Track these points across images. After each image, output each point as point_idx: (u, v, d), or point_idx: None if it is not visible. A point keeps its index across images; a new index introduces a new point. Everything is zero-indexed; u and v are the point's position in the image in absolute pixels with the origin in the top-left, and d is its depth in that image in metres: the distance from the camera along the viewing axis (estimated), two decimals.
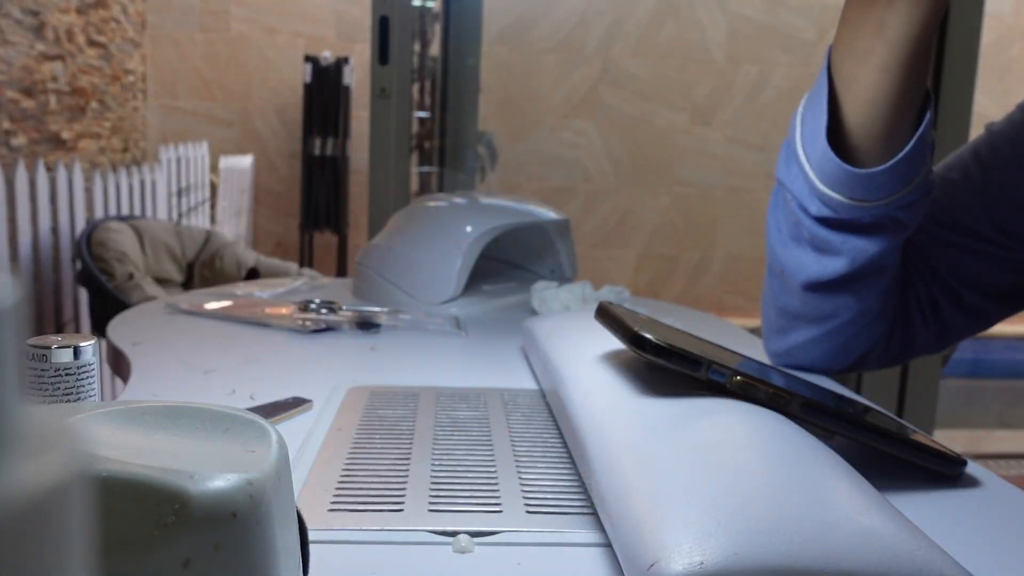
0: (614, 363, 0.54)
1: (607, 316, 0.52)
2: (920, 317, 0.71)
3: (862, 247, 0.63)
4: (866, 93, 0.59)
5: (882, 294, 0.67)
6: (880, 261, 0.64)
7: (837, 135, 0.61)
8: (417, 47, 1.86)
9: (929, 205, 0.65)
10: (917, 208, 0.63)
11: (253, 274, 2.47)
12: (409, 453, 0.51)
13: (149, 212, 2.79)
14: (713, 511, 0.35)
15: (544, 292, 0.92)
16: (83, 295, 2.35)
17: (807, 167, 0.62)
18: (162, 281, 2.42)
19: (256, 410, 0.58)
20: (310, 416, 0.58)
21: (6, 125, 2.23)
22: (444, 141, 2.24)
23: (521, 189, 3.27)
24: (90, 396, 0.34)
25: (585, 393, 0.50)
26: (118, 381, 0.64)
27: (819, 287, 0.66)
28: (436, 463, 0.50)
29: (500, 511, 0.43)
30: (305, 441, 0.53)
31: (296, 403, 0.60)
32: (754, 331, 0.84)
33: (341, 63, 3.24)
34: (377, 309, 0.87)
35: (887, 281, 0.67)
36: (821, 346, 0.70)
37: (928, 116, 0.60)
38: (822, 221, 0.63)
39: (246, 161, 3.39)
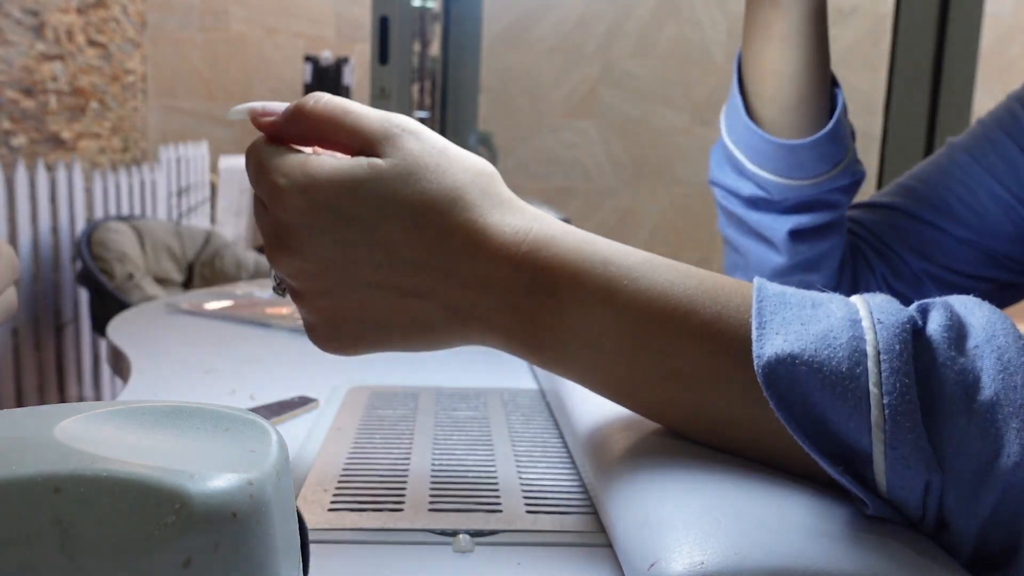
0: None
1: None
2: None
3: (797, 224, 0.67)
4: (771, 65, 0.65)
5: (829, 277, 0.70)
6: (819, 247, 0.67)
7: (758, 120, 0.66)
8: (417, 47, 1.86)
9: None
10: (847, 193, 0.67)
11: None
12: (409, 453, 0.51)
13: (149, 212, 2.79)
14: (713, 511, 0.35)
15: None
16: (83, 295, 2.35)
17: (735, 152, 0.67)
18: (162, 281, 2.42)
19: (263, 409, 0.58)
20: (310, 416, 0.58)
21: (6, 125, 2.23)
22: None
23: (521, 189, 3.24)
24: None
25: (585, 393, 0.50)
26: (118, 381, 0.64)
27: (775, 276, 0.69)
28: (436, 463, 0.50)
29: (500, 511, 0.43)
30: (305, 441, 0.53)
31: (302, 402, 0.60)
32: None
33: (341, 63, 3.24)
34: None
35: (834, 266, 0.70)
36: None
37: (840, 98, 0.65)
38: (754, 203, 0.67)
39: None
